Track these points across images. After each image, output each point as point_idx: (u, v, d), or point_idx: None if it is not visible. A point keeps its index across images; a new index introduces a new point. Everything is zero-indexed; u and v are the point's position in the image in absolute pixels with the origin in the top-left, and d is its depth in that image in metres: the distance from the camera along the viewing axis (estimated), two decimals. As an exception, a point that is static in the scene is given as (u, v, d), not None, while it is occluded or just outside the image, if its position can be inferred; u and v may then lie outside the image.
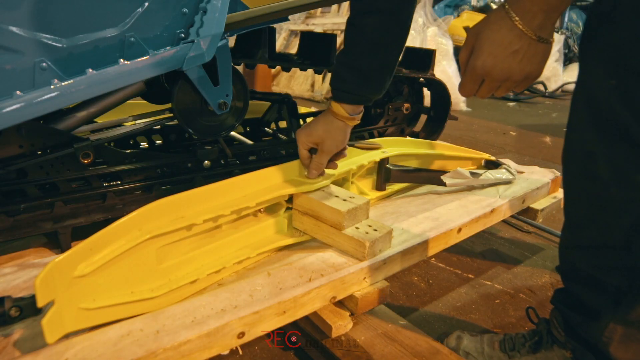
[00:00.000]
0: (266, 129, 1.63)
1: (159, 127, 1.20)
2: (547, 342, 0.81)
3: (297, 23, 5.01)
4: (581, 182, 0.69)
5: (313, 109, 1.88)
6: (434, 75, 1.66)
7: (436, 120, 1.76)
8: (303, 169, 0.97)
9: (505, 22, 0.55)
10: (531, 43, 0.56)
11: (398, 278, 1.22)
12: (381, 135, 1.66)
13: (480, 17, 0.72)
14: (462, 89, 0.64)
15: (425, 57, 1.64)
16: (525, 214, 1.35)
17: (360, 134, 1.57)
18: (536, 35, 0.55)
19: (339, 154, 0.92)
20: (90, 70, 0.83)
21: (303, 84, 4.42)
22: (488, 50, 0.57)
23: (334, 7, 4.89)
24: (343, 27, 4.74)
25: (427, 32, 4.05)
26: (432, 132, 1.77)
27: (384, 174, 1.17)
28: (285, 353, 0.93)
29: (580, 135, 0.66)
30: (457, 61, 4.10)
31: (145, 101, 1.17)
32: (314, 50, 1.39)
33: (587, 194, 0.68)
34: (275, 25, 1.21)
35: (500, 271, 1.31)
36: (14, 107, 0.75)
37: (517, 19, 0.54)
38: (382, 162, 1.15)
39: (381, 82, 0.83)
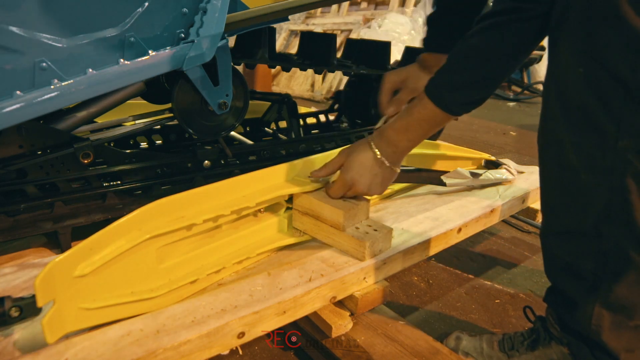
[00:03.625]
0: (266, 129, 1.64)
1: (159, 127, 1.21)
2: (544, 339, 0.81)
3: (297, 23, 5.01)
4: (553, 169, 0.70)
5: (313, 109, 1.88)
6: (434, 75, 1.66)
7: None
8: (303, 169, 0.97)
9: (369, 153, 0.82)
10: (386, 169, 0.83)
11: (398, 278, 1.22)
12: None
13: None
14: (332, 192, 0.87)
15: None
16: (525, 214, 1.35)
17: (360, 134, 1.57)
18: (390, 165, 0.82)
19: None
20: (90, 70, 0.83)
21: (303, 84, 4.42)
22: (356, 169, 0.83)
23: (334, 7, 4.89)
24: (343, 27, 4.76)
25: (427, 32, 4.04)
26: (432, 132, 1.77)
27: (384, 174, 1.17)
28: (285, 353, 0.93)
29: (550, 124, 0.68)
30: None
31: (145, 101, 1.17)
32: (314, 50, 1.39)
33: (559, 181, 0.69)
34: (275, 25, 1.21)
35: (500, 271, 1.31)
36: (14, 107, 0.75)
37: (377, 152, 0.81)
38: (382, 162, 1.15)
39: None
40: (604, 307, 0.68)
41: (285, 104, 1.51)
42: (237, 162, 1.20)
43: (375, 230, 0.88)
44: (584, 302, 0.70)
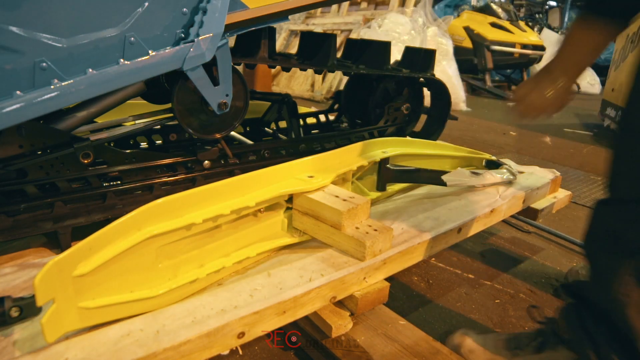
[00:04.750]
0: (266, 129, 1.64)
1: (159, 127, 1.21)
2: (552, 342, 0.80)
3: (297, 23, 5.01)
4: (623, 138, 0.74)
5: (313, 109, 1.88)
6: (434, 75, 1.66)
7: (436, 120, 1.76)
8: (303, 169, 0.97)
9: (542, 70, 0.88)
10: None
11: (398, 278, 1.22)
12: (381, 135, 1.66)
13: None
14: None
15: (426, 57, 1.64)
16: (525, 214, 1.35)
17: (361, 134, 1.57)
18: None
19: None
20: (91, 70, 0.83)
21: (303, 84, 4.42)
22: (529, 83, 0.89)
23: (334, 7, 4.89)
24: (343, 27, 4.75)
25: (427, 32, 4.05)
26: (432, 132, 1.77)
27: (384, 174, 1.17)
28: (285, 353, 0.93)
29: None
30: (457, 61, 4.10)
31: (145, 101, 1.17)
32: (314, 50, 1.39)
33: (626, 149, 0.73)
34: (275, 25, 1.21)
35: (500, 271, 1.31)
36: (14, 107, 0.75)
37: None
38: (382, 162, 1.15)
39: None
40: (635, 278, 0.67)
41: (285, 104, 1.51)
42: (237, 162, 1.20)
43: (375, 230, 0.88)
44: (617, 268, 0.69)
